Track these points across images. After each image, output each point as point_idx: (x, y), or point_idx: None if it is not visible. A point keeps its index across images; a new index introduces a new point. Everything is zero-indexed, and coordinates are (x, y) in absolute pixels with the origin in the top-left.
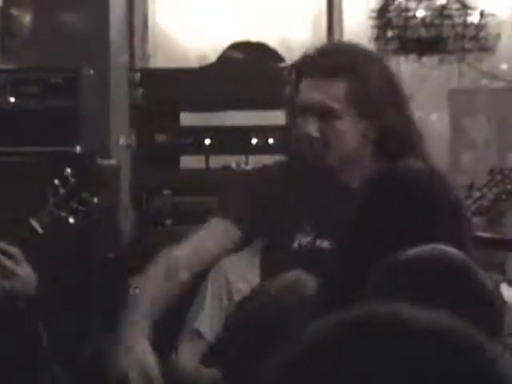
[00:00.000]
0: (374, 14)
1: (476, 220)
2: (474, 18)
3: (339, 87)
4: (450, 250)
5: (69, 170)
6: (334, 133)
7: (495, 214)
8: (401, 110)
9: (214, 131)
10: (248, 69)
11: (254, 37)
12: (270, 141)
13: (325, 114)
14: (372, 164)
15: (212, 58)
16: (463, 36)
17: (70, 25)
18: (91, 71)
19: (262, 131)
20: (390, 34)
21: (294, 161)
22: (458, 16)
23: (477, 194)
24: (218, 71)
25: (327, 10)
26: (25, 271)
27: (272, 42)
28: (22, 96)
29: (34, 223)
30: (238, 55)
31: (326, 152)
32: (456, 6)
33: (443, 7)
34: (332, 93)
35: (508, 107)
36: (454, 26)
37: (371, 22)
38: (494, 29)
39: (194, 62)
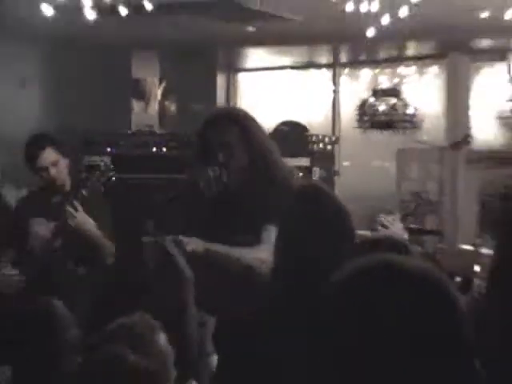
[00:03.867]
0: (357, 108)
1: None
2: (410, 110)
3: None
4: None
5: None
6: None
7: (418, 216)
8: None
9: None
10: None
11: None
12: None
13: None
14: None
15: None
16: (404, 120)
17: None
18: None
19: None
20: (365, 118)
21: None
22: (401, 109)
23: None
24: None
25: (332, 106)
26: (81, 216)
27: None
28: None
29: None
30: (285, 128)
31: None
32: (400, 103)
33: (394, 104)
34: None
35: (430, 159)
36: (399, 115)
37: (356, 112)
38: (420, 116)
39: None
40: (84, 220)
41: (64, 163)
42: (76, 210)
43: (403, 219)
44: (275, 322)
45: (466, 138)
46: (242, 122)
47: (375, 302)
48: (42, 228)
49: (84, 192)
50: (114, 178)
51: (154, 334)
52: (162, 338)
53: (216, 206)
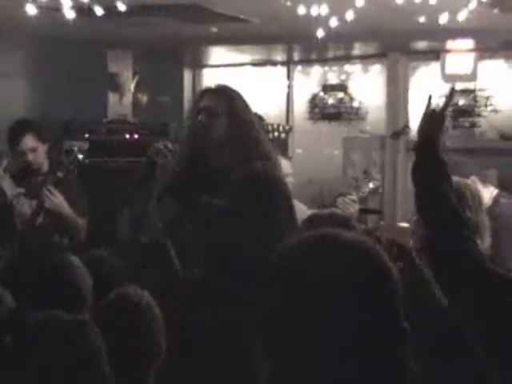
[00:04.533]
0: (309, 101)
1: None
2: (355, 103)
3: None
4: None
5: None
6: None
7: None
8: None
9: None
10: None
11: None
12: None
13: None
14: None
15: None
16: (350, 113)
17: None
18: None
19: None
20: (315, 110)
21: None
22: (348, 102)
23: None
24: None
25: (286, 99)
26: (56, 198)
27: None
28: None
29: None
30: None
31: None
32: (347, 97)
33: (341, 98)
34: None
35: (373, 148)
36: (346, 108)
37: (307, 104)
38: (364, 108)
39: None
40: (58, 202)
41: (42, 149)
42: (51, 193)
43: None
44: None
45: (405, 129)
46: (229, 93)
47: (313, 270)
48: (24, 207)
49: (59, 174)
50: (87, 161)
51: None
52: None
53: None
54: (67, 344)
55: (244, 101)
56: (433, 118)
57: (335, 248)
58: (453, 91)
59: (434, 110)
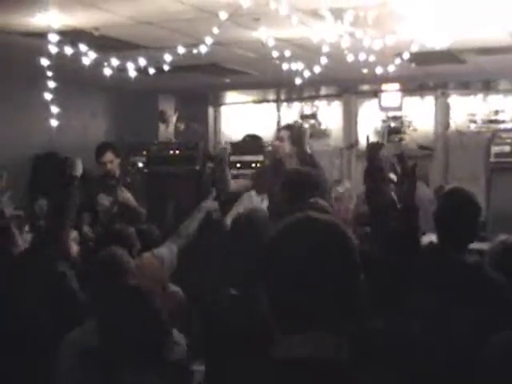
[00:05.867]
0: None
1: None
2: (323, 126)
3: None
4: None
5: None
6: None
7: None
8: None
9: None
10: (251, 142)
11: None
12: None
13: None
14: None
15: None
16: (319, 133)
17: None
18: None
19: None
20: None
21: None
22: (318, 126)
23: None
24: (241, 144)
25: (277, 124)
26: (125, 194)
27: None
28: None
29: None
30: (248, 138)
31: None
32: (317, 123)
33: (313, 123)
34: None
35: (334, 156)
36: (316, 130)
37: None
38: (328, 130)
39: None
40: (127, 198)
41: (117, 161)
42: (122, 191)
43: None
44: None
45: (355, 143)
46: None
47: (299, 243)
48: (104, 200)
49: (127, 179)
50: (145, 170)
51: None
52: None
53: None
54: None
55: None
56: (375, 145)
57: (315, 223)
58: (402, 154)
59: (377, 142)
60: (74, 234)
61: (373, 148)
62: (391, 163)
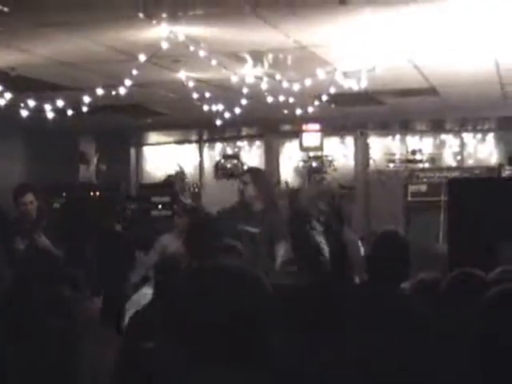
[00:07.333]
0: (214, 166)
1: None
2: (245, 166)
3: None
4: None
5: None
6: None
7: None
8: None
9: None
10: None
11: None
12: None
13: None
14: None
15: None
16: (241, 173)
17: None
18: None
19: None
20: (219, 172)
21: None
22: (239, 166)
23: None
24: (164, 184)
25: (199, 165)
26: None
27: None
28: None
29: None
30: (172, 178)
31: None
32: (239, 163)
33: (235, 164)
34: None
35: None
36: (238, 170)
37: (213, 168)
38: None
39: None
40: (43, 241)
41: (36, 203)
42: (40, 236)
43: None
44: None
45: (278, 183)
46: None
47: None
48: (19, 244)
49: (44, 222)
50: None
51: None
52: None
53: None
54: None
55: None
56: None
57: (222, 273)
58: (334, 197)
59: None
60: None
61: (292, 194)
62: (316, 205)
